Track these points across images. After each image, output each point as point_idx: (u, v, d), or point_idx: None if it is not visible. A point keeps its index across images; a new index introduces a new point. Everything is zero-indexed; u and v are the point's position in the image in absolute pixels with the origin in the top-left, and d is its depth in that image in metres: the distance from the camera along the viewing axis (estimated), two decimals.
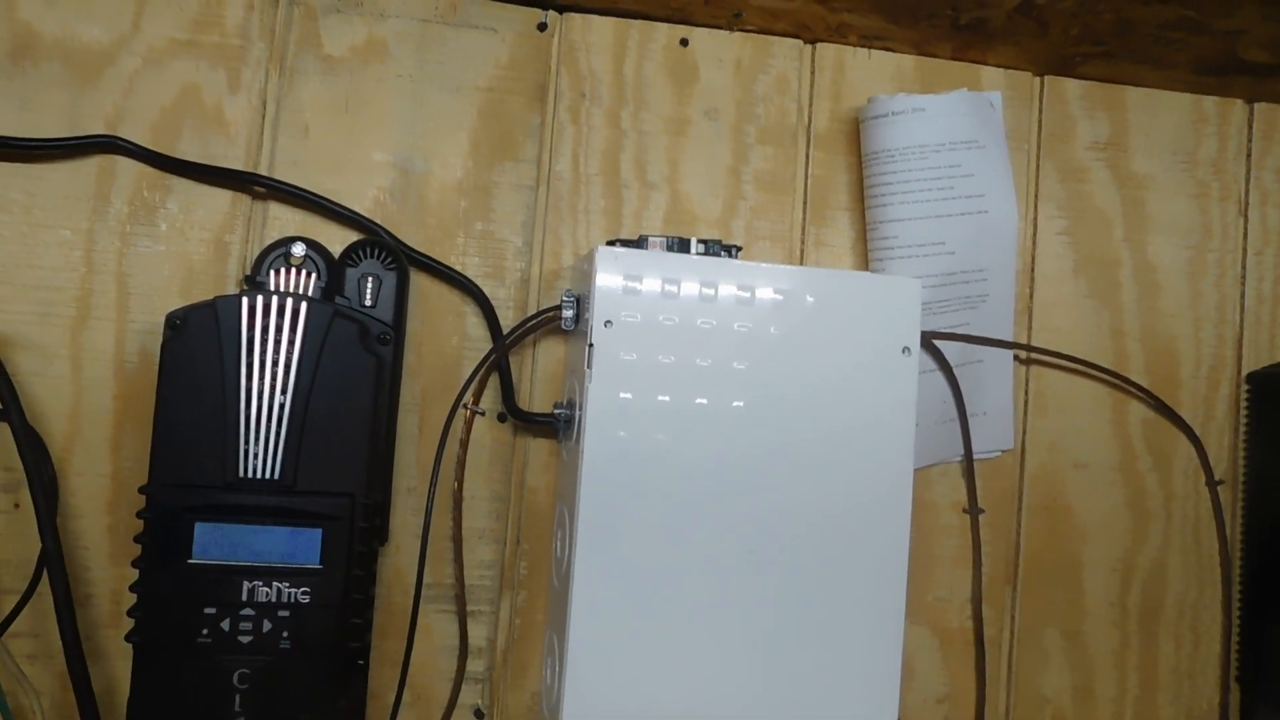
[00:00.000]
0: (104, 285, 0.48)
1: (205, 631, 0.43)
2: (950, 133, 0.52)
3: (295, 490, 0.43)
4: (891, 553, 0.46)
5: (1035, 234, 0.56)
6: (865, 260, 0.54)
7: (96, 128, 0.48)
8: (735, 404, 0.45)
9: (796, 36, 0.54)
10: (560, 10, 0.53)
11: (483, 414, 0.50)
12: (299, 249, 0.48)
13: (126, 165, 0.48)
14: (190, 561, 0.43)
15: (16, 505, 0.46)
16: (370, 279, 0.48)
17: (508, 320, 0.51)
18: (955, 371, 0.53)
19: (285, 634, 0.43)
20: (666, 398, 0.45)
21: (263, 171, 0.49)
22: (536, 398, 0.51)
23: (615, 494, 0.44)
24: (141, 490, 0.43)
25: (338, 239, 0.49)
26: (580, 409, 0.45)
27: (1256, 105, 0.58)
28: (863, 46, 0.55)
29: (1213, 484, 0.56)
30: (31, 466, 0.43)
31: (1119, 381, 0.56)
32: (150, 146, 0.48)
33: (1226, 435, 0.57)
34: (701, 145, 0.53)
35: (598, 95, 0.53)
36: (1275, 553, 0.54)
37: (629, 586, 0.44)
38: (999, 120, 0.54)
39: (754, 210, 0.54)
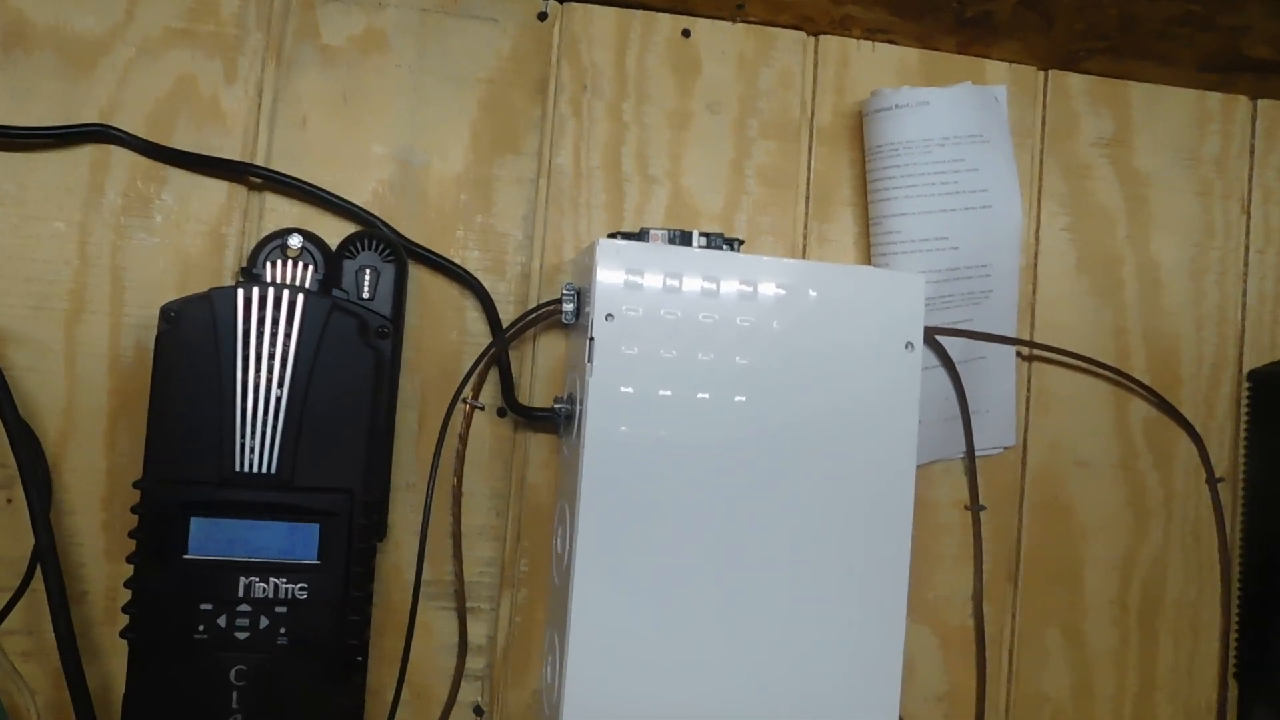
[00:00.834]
0: (98, 278, 0.47)
1: (202, 628, 0.42)
2: (954, 127, 0.51)
3: (293, 485, 0.43)
4: (893, 550, 0.46)
5: (1038, 230, 0.56)
6: (868, 256, 0.54)
7: (90, 118, 0.47)
8: (737, 399, 0.45)
9: (799, 29, 0.54)
10: (561, 0, 0.52)
11: (482, 409, 0.50)
12: (296, 241, 0.47)
13: (121, 156, 0.47)
14: (186, 557, 0.42)
15: (10, 501, 0.45)
16: (368, 271, 0.47)
17: (508, 314, 0.50)
18: (958, 368, 0.53)
19: (283, 630, 0.43)
20: (668, 392, 0.44)
21: (260, 163, 0.49)
22: (537, 393, 0.51)
23: (616, 489, 0.44)
24: (136, 485, 0.42)
25: (335, 232, 0.49)
26: (581, 404, 0.44)
27: (1260, 102, 0.58)
28: (866, 39, 0.54)
29: (1213, 482, 0.56)
30: (25, 462, 0.42)
31: (1121, 379, 0.56)
32: (145, 137, 0.47)
33: (1227, 433, 0.57)
34: (704, 139, 0.53)
35: (599, 88, 0.52)
36: (1274, 551, 0.54)
37: (630, 583, 0.44)
38: (1003, 115, 0.53)
39: (756, 205, 0.53)
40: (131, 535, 0.42)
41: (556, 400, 0.48)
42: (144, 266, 0.48)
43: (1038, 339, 0.55)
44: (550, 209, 0.51)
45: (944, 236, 0.52)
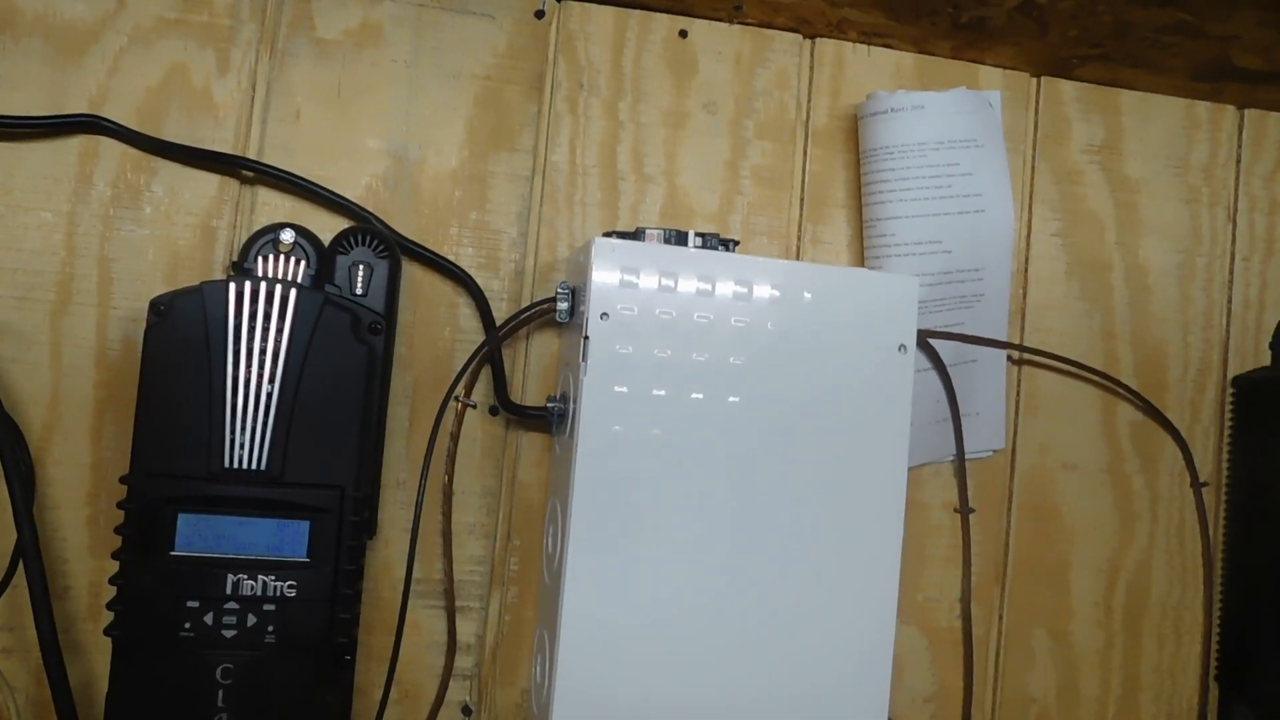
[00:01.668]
0: (85, 269, 0.46)
1: (188, 625, 0.42)
2: (949, 131, 0.52)
3: (283, 482, 0.42)
4: (884, 552, 0.46)
5: (1030, 235, 0.56)
6: (861, 258, 0.54)
7: (79, 107, 0.46)
8: (731, 399, 0.45)
9: (796, 31, 0.54)
10: None
11: (474, 407, 0.50)
12: (288, 235, 0.47)
13: (110, 146, 0.47)
14: (173, 554, 0.42)
15: None
16: (361, 267, 0.47)
17: (501, 312, 0.50)
18: (949, 371, 0.53)
19: (271, 628, 0.42)
20: (662, 392, 0.44)
21: (252, 156, 0.48)
22: (529, 391, 0.51)
23: (609, 489, 0.44)
24: (123, 480, 0.42)
25: (328, 227, 0.48)
26: (574, 402, 0.44)
27: (1247, 112, 0.59)
28: (862, 43, 0.55)
29: (1197, 486, 0.57)
30: (8, 456, 0.41)
31: (1109, 383, 0.56)
32: (135, 127, 0.47)
33: (1211, 438, 0.58)
34: (700, 139, 0.53)
35: (596, 86, 0.52)
36: (1256, 554, 0.55)
37: (621, 582, 0.43)
38: (997, 120, 0.54)
39: (751, 205, 0.53)
40: (117, 531, 0.41)
41: (550, 399, 0.48)
42: (132, 259, 0.47)
43: (1028, 343, 0.56)
44: (545, 206, 0.51)
45: (937, 240, 0.52)
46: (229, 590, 0.42)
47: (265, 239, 0.47)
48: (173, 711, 0.42)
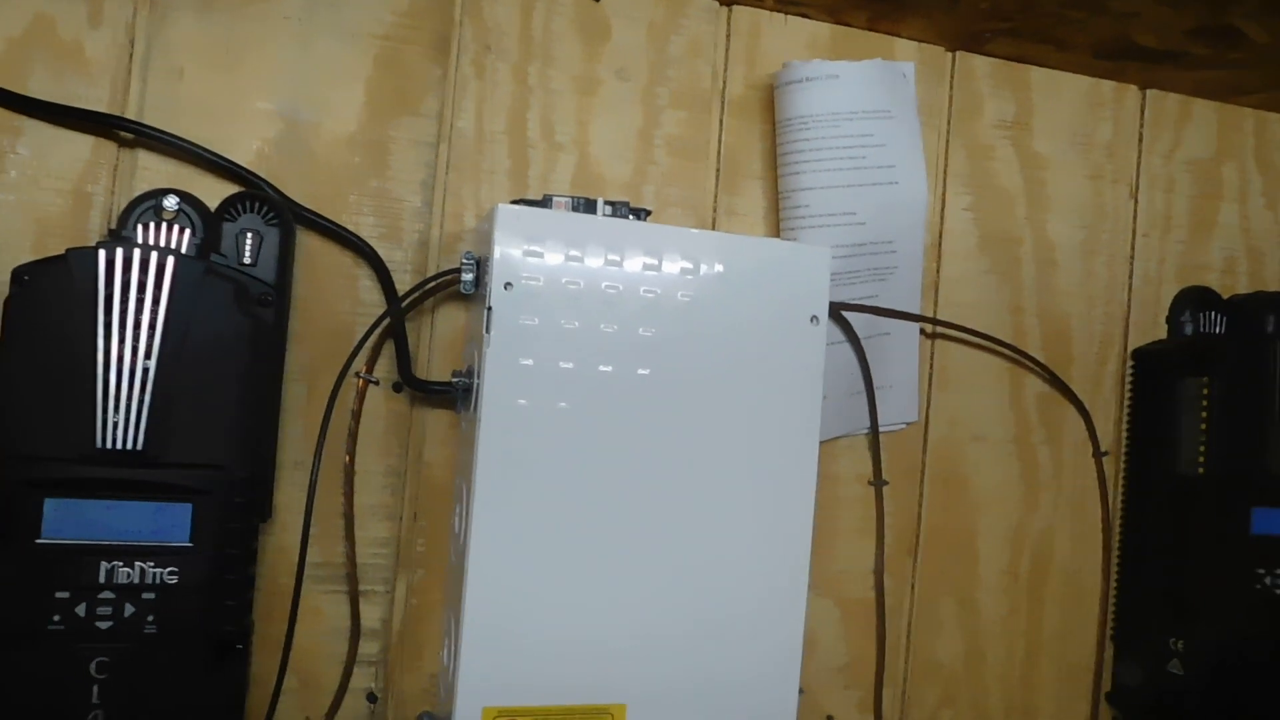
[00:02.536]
0: None
1: (57, 617, 0.39)
2: (863, 101, 0.51)
3: (161, 462, 0.40)
4: (796, 524, 0.46)
5: (944, 210, 0.57)
6: (777, 230, 0.53)
7: None
8: (641, 371, 0.44)
9: None
10: None
11: (376, 383, 0.48)
12: (171, 201, 0.44)
13: None
14: (39, 541, 0.39)
15: None
16: (250, 235, 0.44)
17: (404, 285, 0.48)
18: (863, 343, 0.53)
19: (151, 618, 0.40)
20: (570, 364, 0.43)
21: (131, 116, 0.45)
22: (435, 367, 0.49)
23: (514, 465, 0.42)
24: None
25: (215, 193, 0.45)
26: (479, 376, 0.43)
27: (1149, 92, 0.60)
28: (779, 11, 0.54)
29: (1098, 455, 0.58)
30: None
31: (1018, 356, 0.57)
32: None
33: (1112, 409, 0.59)
34: (612, 106, 0.51)
35: (504, 49, 0.50)
36: (1150, 519, 0.57)
37: (528, 562, 0.42)
38: (911, 92, 0.54)
39: (665, 176, 0.52)
40: None
41: (455, 374, 0.46)
42: None
43: (940, 316, 0.56)
44: (451, 174, 0.49)
45: (851, 212, 0.52)
46: (102, 579, 0.39)
47: (146, 205, 0.44)
48: (42, 711, 0.39)
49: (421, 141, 0.49)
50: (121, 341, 0.40)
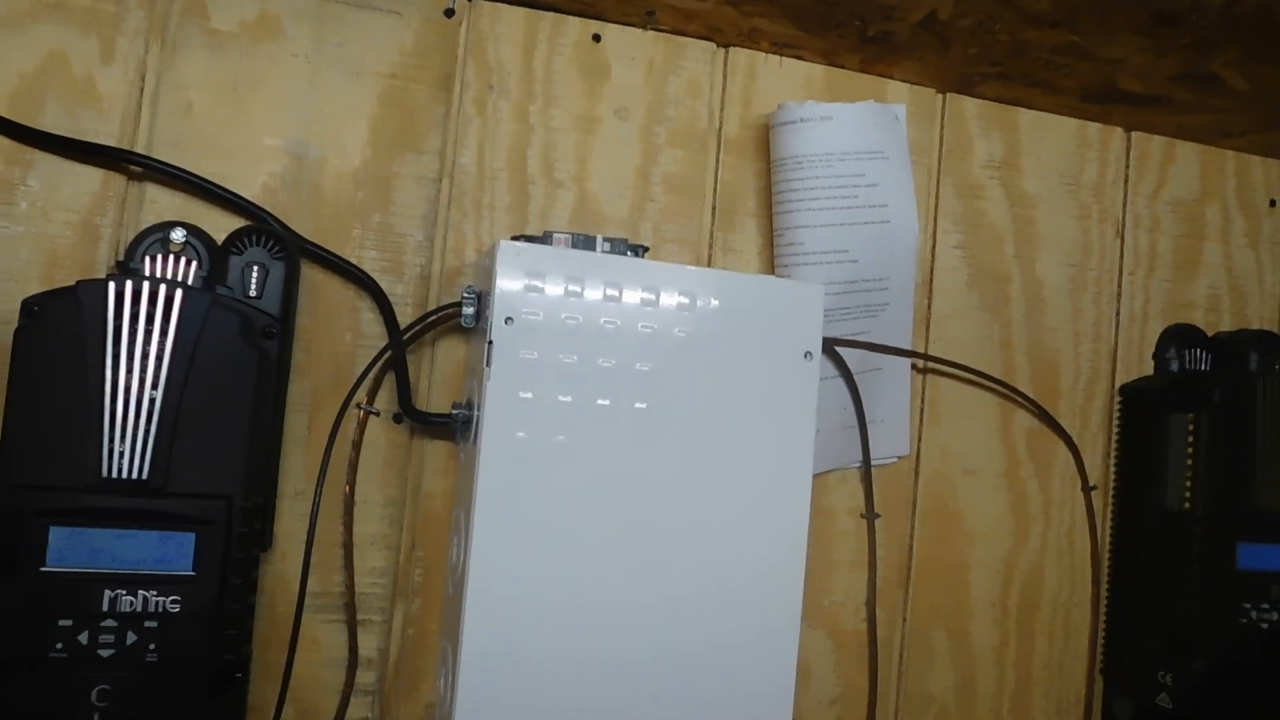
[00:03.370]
0: None
1: (60, 645, 0.39)
2: (856, 142, 0.53)
3: (166, 492, 0.40)
4: (789, 557, 0.47)
5: (935, 247, 0.58)
6: (772, 267, 0.55)
7: None
8: (638, 405, 0.45)
9: (709, 40, 0.54)
10: None
11: (377, 414, 0.48)
12: (178, 234, 0.45)
13: None
14: (44, 569, 0.39)
15: None
16: (256, 268, 0.45)
17: (406, 318, 0.49)
18: (855, 378, 0.54)
19: (152, 646, 0.40)
20: (568, 398, 0.44)
21: (140, 150, 0.46)
22: (435, 399, 0.49)
23: (513, 497, 0.43)
24: None
25: (222, 226, 0.46)
26: (479, 409, 0.43)
27: (1134, 134, 0.62)
28: (774, 54, 0.55)
29: (1087, 489, 0.59)
30: None
31: (1007, 392, 0.58)
32: (7, 116, 0.44)
33: (1100, 443, 0.60)
34: (611, 145, 0.53)
35: (505, 88, 0.51)
36: (1137, 553, 0.58)
37: (525, 593, 0.43)
38: (903, 133, 0.55)
39: (662, 212, 0.53)
40: None
41: (455, 406, 0.47)
42: (3, 257, 0.44)
43: (931, 351, 0.57)
44: (452, 210, 0.50)
45: (844, 249, 0.53)
46: (105, 607, 0.40)
47: (154, 238, 0.45)
48: None
49: (424, 177, 0.50)
50: (129, 372, 0.40)
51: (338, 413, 0.46)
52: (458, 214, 0.50)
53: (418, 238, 0.50)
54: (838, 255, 0.53)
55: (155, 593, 0.40)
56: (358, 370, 0.48)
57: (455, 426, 0.48)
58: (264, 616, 0.46)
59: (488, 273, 0.44)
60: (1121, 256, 0.61)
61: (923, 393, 0.57)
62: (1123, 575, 0.59)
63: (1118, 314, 0.61)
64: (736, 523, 0.46)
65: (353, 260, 0.48)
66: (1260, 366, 0.58)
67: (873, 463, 0.55)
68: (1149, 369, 0.61)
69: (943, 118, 0.59)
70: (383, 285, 0.48)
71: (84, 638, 0.40)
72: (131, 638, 0.40)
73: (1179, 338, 0.61)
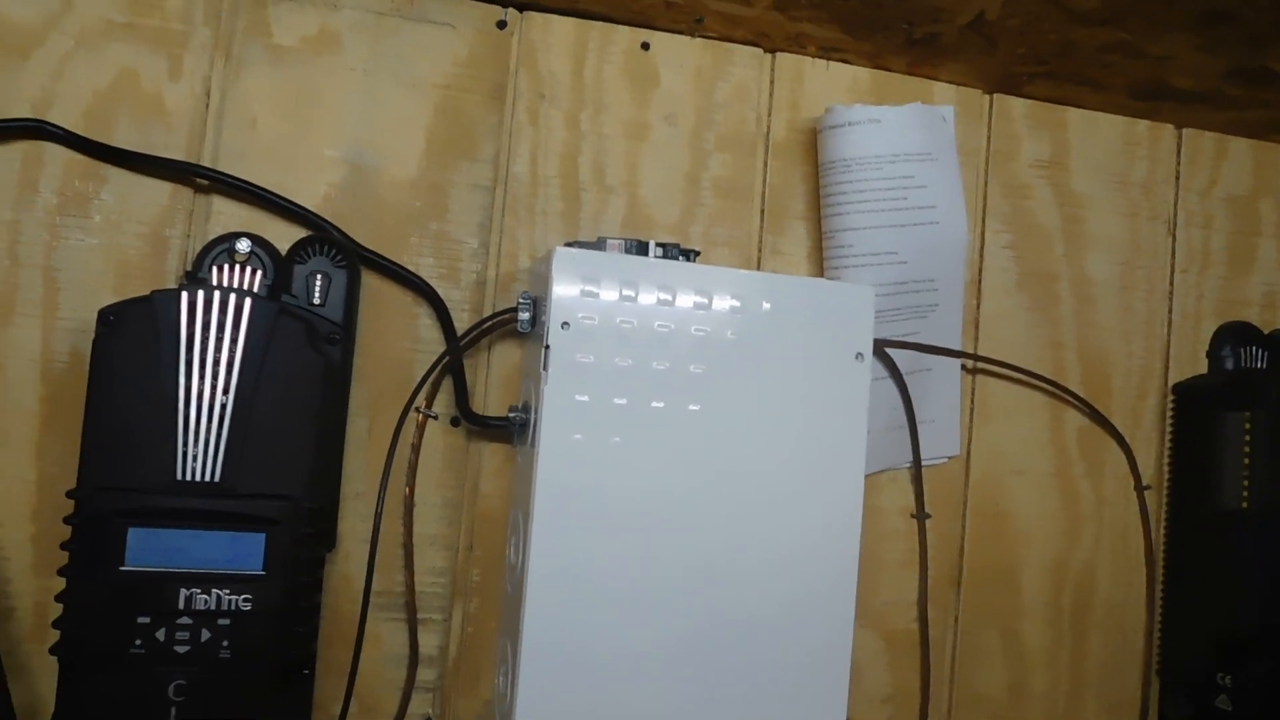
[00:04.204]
0: (30, 279, 0.45)
1: (139, 642, 0.41)
2: (904, 144, 0.53)
3: (237, 493, 0.42)
4: (842, 557, 0.47)
5: (983, 248, 0.58)
6: (820, 269, 0.55)
7: (23, 112, 0.45)
8: (691, 407, 0.45)
9: (756, 45, 0.55)
10: (520, 9, 0.52)
11: (435, 418, 0.49)
12: (244, 245, 0.46)
13: (56, 152, 0.46)
14: (123, 568, 0.41)
15: None
16: (319, 277, 0.46)
17: (462, 323, 0.50)
18: (905, 379, 0.54)
19: (225, 643, 0.41)
20: (623, 400, 0.44)
21: (206, 163, 0.47)
22: (491, 402, 0.50)
23: (570, 498, 0.44)
24: (70, 495, 0.41)
25: (285, 236, 0.48)
26: (536, 412, 0.44)
27: (1185, 131, 0.61)
28: (821, 58, 0.56)
29: (1140, 489, 0.59)
30: None
31: (1057, 391, 0.58)
32: (82, 133, 0.46)
33: (1154, 443, 0.60)
34: (660, 150, 0.53)
35: (556, 97, 0.52)
36: (1193, 554, 0.57)
37: (583, 592, 0.44)
38: (950, 134, 0.55)
39: (712, 217, 0.54)
40: (64, 547, 0.40)
41: (511, 409, 0.48)
42: (80, 268, 0.46)
43: (981, 352, 0.57)
44: (506, 216, 0.51)
45: (893, 251, 0.53)
46: (182, 605, 0.41)
47: (220, 248, 0.46)
48: None
49: (479, 185, 0.51)
50: (201, 378, 0.42)
51: (398, 417, 0.47)
52: (511, 221, 0.51)
53: (473, 244, 0.51)
54: (887, 257, 0.53)
55: (228, 591, 0.42)
56: (416, 375, 0.49)
57: (512, 429, 0.48)
58: (328, 615, 0.47)
59: (543, 278, 0.45)
60: (1173, 254, 0.61)
61: (972, 393, 0.57)
62: (1178, 575, 0.58)
63: (1170, 312, 0.60)
64: (789, 523, 0.46)
65: (410, 267, 0.49)
66: None
67: (923, 463, 0.55)
68: (1203, 367, 0.60)
69: (990, 118, 0.58)
70: (440, 291, 0.49)
71: (161, 634, 0.41)
72: (205, 635, 0.41)
73: (1234, 335, 0.60)
